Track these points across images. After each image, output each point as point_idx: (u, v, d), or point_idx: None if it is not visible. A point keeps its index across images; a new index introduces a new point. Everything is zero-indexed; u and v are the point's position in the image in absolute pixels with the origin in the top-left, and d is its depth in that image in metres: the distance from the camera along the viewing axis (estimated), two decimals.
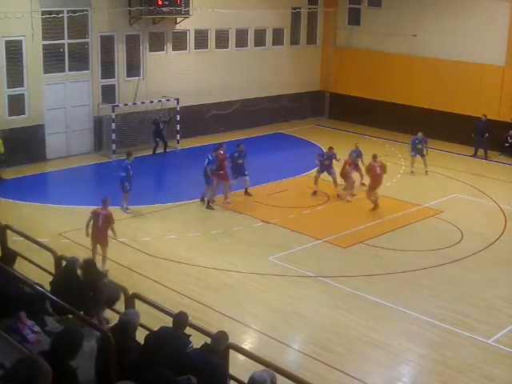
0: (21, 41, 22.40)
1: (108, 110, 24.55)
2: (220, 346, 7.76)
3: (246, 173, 20.46)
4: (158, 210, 19.21)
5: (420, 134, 23.87)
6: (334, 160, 21.15)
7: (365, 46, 30.37)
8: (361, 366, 11.88)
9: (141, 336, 7.75)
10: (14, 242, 11.87)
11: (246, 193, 20.72)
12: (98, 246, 14.96)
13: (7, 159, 21.55)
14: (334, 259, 16.48)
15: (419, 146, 23.75)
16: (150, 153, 24.89)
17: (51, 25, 22.97)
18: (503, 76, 26.59)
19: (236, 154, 20.45)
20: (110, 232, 14.99)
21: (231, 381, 8.14)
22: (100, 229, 14.84)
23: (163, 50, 26.47)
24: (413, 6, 28.59)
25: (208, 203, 19.56)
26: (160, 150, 25.26)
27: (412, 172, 23.62)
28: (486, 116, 25.81)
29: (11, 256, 9.55)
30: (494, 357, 12.24)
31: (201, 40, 27.56)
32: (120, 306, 9.37)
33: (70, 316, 8.37)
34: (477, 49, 26.86)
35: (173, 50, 26.74)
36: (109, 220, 14.91)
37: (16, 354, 6.69)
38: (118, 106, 24.79)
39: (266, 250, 16.65)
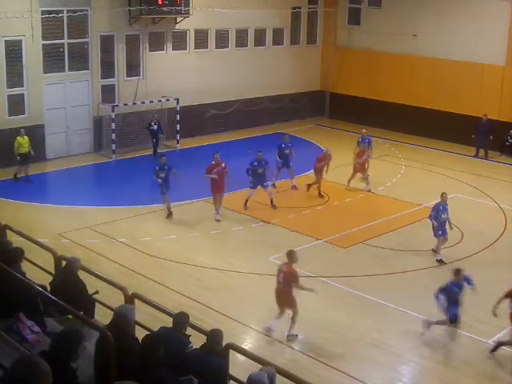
0: (21, 41, 22.41)
1: (108, 110, 24.53)
2: (216, 344, 7.72)
3: (265, 184, 19.47)
4: (158, 210, 19.19)
5: (364, 130, 23.46)
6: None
7: (365, 46, 30.38)
8: (361, 366, 11.87)
9: (141, 336, 7.73)
10: (14, 242, 11.85)
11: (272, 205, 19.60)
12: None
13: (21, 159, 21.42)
14: (334, 259, 16.47)
15: (361, 146, 22.51)
16: (150, 153, 24.83)
17: (51, 24, 22.99)
18: (503, 76, 26.58)
19: (256, 163, 19.34)
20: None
21: (231, 381, 8.13)
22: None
23: (163, 49, 26.47)
24: (413, 6, 28.59)
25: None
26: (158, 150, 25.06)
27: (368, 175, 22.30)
28: (486, 116, 25.78)
29: (17, 254, 9.52)
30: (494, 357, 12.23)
31: (201, 40, 27.56)
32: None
33: (70, 316, 8.36)
34: (477, 49, 26.85)
35: (173, 49, 26.74)
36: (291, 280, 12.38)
37: (16, 355, 6.68)
38: (117, 105, 24.77)
39: (266, 250, 16.61)
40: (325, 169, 20.82)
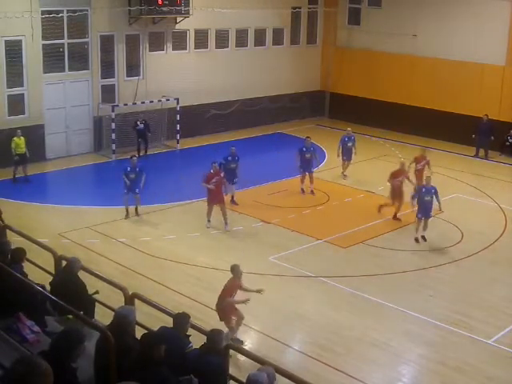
0: (21, 41, 22.41)
1: (108, 110, 24.53)
2: (216, 344, 7.71)
3: (235, 180, 19.37)
4: (158, 210, 19.19)
5: (349, 129, 23.08)
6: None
7: (365, 46, 30.38)
8: (361, 366, 11.86)
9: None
10: (14, 242, 11.86)
11: (233, 201, 19.63)
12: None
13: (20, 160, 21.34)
14: (334, 259, 16.47)
15: (349, 145, 22.32)
16: (149, 153, 24.86)
17: (51, 24, 22.99)
18: (503, 76, 26.58)
19: (230, 158, 19.36)
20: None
21: (231, 381, 8.13)
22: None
23: (163, 49, 26.47)
24: (413, 6, 28.58)
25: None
26: (142, 153, 24.59)
27: (344, 175, 22.60)
28: (487, 116, 25.78)
29: (19, 254, 9.52)
30: (494, 357, 12.24)
31: (201, 40, 27.56)
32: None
33: (70, 316, 8.36)
34: (477, 49, 26.85)
35: (173, 49, 26.73)
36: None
37: (16, 355, 6.68)
38: (117, 105, 24.77)
39: (266, 249, 16.63)
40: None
